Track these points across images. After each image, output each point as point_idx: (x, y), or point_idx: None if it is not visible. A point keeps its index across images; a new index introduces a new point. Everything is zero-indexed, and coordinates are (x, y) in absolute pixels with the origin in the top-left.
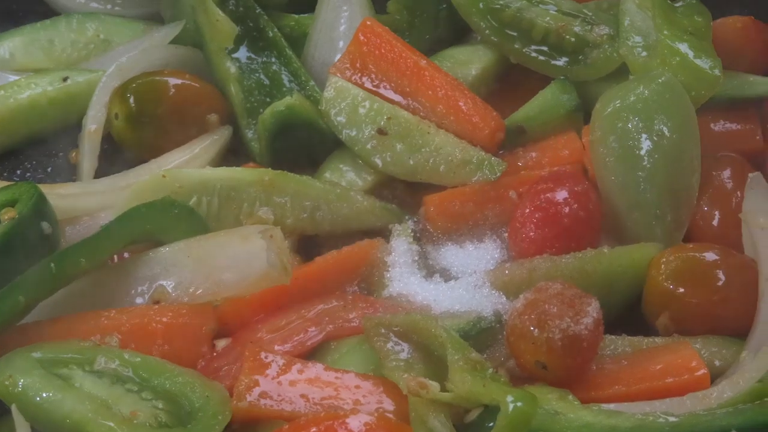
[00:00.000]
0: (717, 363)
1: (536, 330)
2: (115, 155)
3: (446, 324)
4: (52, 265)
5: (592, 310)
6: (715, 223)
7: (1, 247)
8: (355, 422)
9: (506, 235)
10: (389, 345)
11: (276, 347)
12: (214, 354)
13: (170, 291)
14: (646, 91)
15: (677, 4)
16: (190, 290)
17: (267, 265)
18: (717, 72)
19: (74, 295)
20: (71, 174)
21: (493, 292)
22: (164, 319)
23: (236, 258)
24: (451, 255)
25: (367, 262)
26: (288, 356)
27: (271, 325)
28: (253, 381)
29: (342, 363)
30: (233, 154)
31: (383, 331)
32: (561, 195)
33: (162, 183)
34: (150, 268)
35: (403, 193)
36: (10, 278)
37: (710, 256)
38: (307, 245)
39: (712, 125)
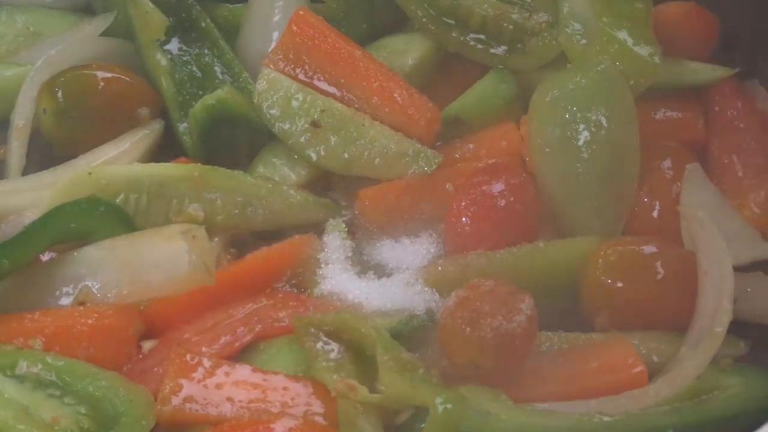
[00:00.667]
0: (655, 359)
1: (468, 329)
2: (45, 151)
3: (378, 323)
4: None
5: (526, 307)
6: (654, 214)
7: None
8: (280, 427)
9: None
10: (319, 345)
11: (203, 348)
12: (141, 356)
13: (96, 292)
14: (583, 80)
15: None
16: (116, 291)
17: (188, 267)
18: (657, 59)
19: None
20: (1, 171)
21: (426, 289)
22: (89, 321)
23: (160, 259)
24: (386, 250)
25: (299, 259)
26: (215, 358)
27: (199, 326)
28: (177, 384)
29: (271, 364)
30: (165, 148)
31: (313, 330)
32: (497, 188)
33: (88, 180)
34: (75, 269)
35: (339, 187)
36: None
37: (649, 249)
38: (242, 240)
39: (653, 114)
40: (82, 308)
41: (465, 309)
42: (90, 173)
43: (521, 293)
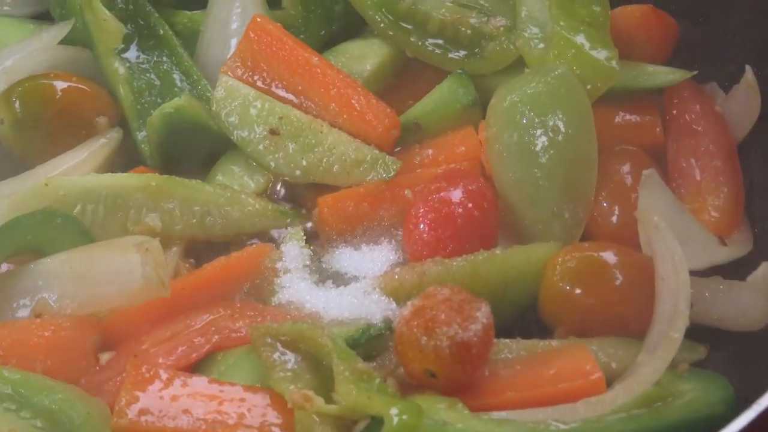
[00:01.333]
0: (614, 365)
1: (424, 338)
2: (4, 162)
3: (335, 332)
4: None
5: (482, 315)
6: (613, 219)
7: None
8: None
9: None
10: (276, 355)
11: (160, 360)
12: (98, 368)
13: (52, 304)
14: (540, 85)
15: None
16: (72, 303)
17: (142, 279)
18: (614, 63)
19: None
20: None
21: (383, 298)
22: (46, 334)
23: (115, 271)
24: (345, 258)
25: (257, 268)
26: (171, 370)
27: (156, 337)
28: (133, 397)
29: (229, 375)
30: (124, 157)
31: (270, 340)
32: (454, 194)
33: (44, 192)
34: (32, 281)
35: (297, 194)
36: None
37: (607, 255)
38: (200, 250)
39: (611, 118)
40: (39, 320)
41: (420, 318)
42: (47, 184)
43: (477, 301)
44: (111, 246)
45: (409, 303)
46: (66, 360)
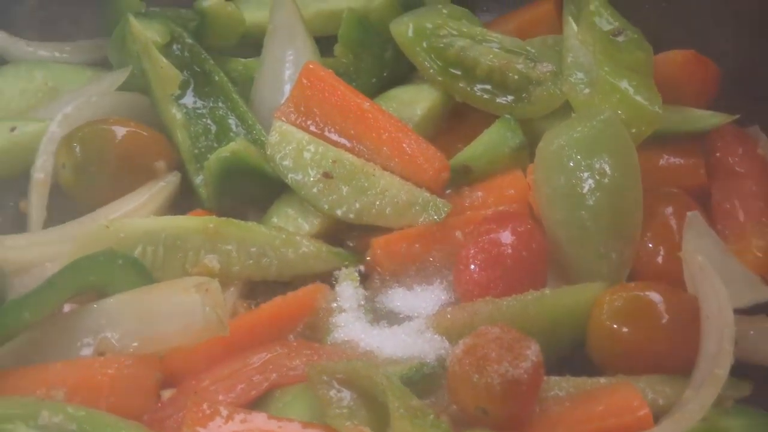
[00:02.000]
0: (661, 402)
1: (475, 375)
2: (66, 205)
3: (389, 370)
4: None
5: (532, 353)
6: (659, 260)
7: None
8: None
9: None
10: (332, 392)
11: (220, 397)
12: (160, 405)
13: (115, 343)
14: (586, 129)
15: (619, 39)
16: (135, 342)
17: (202, 319)
18: (657, 108)
19: (19, 348)
20: (23, 224)
21: (436, 336)
22: (110, 371)
23: (175, 311)
24: (398, 298)
25: (312, 308)
26: (231, 406)
27: (216, 375)
28: None
29: (287, 411)
30: (182, 200)
31: (326, 378)
32: (504, 236)
33: (106, 233)
34: (94, 320)
35: (351, 236)
36: None
37: (653, 294)
38: (257, 290)
39: (655, 160)
40: (102, 359)
41: (472, 356)
42: (108, 226)
43: (527, 340)
44: (172, 286)
45: (460, 342)
46: (129, 397)
